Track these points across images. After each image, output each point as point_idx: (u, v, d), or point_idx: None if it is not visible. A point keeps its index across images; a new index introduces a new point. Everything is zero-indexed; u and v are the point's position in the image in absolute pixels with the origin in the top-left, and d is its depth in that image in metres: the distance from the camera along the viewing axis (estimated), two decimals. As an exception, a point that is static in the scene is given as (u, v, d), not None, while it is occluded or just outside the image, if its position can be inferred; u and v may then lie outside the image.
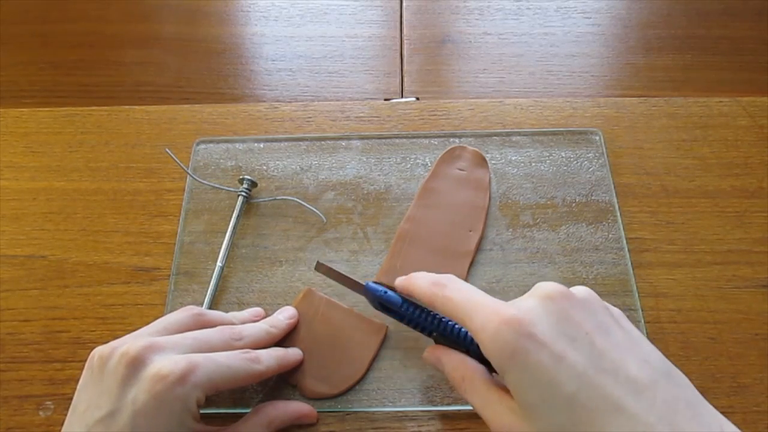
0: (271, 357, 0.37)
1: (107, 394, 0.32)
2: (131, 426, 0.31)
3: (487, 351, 0.31)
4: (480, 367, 0.34)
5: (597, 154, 0.50)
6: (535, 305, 0.31)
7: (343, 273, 0.41)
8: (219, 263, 0.45)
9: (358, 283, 0.40)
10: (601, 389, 0.28)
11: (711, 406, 0.29)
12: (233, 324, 0.39)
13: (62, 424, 0.34)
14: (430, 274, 0.37)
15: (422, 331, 0.37)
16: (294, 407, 0.38)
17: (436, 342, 0.37)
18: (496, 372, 0.32)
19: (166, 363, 0.33)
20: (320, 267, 0.41)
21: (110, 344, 0.34)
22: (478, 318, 0.31)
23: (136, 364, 0.33)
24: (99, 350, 0.34)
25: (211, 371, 0.33)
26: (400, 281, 0.38)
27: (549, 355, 0.29)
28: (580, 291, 0.32)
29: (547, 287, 0.32)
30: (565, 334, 0.30)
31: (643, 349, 0.31)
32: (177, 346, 0.34)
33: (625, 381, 0.28)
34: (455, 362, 0.35)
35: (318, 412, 0.39)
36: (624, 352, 0.30)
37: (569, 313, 0.30)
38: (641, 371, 0.29)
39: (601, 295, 0.43)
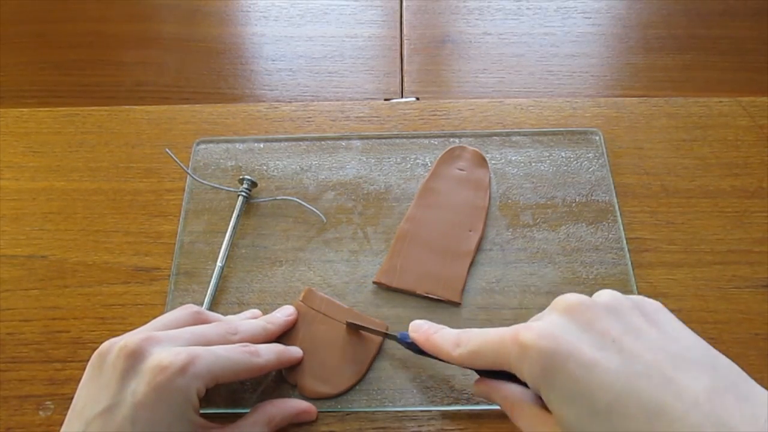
0: (271, 351, 0.37)
1: (106, 389, 0.32)
2: (131, 419, 0.31)
3: (522, 376, 0.30)
4: (527, 392, 0.33)
5: (597, 154, 0.50)
6: (557, 319, 0.30)
7: (373, 327, 0.41)
8: (219, 263, 0.45)
9: (392, 334, 0.40)
10: (638, 394, 0.26)
11: (764, 393, 0.27)
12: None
13: (62, 424, 0.34)
14: (446, 333, 0.36)
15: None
16: (293, 404, 0.38)
17: (478, 373, 0.36)
18: None
19: (166, 354, 0.33)
20: (350, 325, 0.41)
21: (109, 341, 0.34)
22: (504, 352, 0.31)
23: (135, 357, 0.32)
24: (100, 348, 0.34)
25: (211, 362, 0.33)
26: (420, 341, 0.37)
27: (579, 366, 0.28)
28: (603, 296, 0.31)
29: (566, 299, 0.31)
30: (593, 343, 0.29)
31: (680, 343, 0.29)
32: (175, 340, 0.34)
33: (662, 382, 0.27)
34: (503, 392, 0.34)
35: (318, 412, 0.39)
36: (658, 352, 0.28)
37: (593, 321, 0.30)
38: (679, 369, 0.27)
39: (601, 295, 0.43)
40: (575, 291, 0.43)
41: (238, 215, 0.47)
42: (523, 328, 0.30)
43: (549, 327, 0.30)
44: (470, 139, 0.51)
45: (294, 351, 0.40)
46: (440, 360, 0.36)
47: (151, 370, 0.32)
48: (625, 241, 0.46)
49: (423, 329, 0.37)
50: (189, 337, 0.35)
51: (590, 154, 0.50)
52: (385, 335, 0.40)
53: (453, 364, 0.35)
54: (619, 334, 0.29)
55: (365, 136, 0.52)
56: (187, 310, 0.38)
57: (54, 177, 0.50)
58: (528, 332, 0.30)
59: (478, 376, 0.36)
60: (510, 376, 0.33)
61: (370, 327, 0.41)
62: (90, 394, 0.33)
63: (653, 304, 0.31)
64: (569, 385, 0.28)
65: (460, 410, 0.39)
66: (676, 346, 0.29)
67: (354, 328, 0.41)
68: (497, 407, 0.39)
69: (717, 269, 0.45)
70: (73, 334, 0.43)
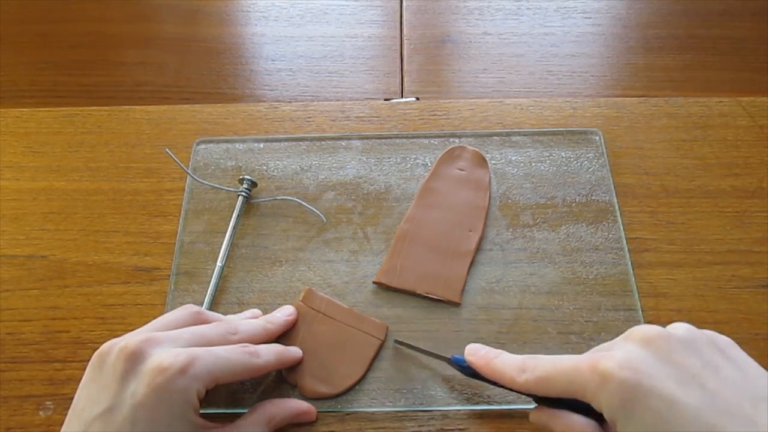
0: (271, 352, 0.37)
1: (106, 390, 0.32)
2: (131, 420, 0.31)
3: (599, 406, 0.30)
4: (590, 422, 0.33)
5: (597, 154, 0.50)
6: (636, 350, 0.30)
7: (425, 348, 0.40)
8: (219, 263, 0.45)
9: (444, 356, 0.39)
10: None
11: None
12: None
13: (62, 424, 0.34)
14: (508, 358, 0.35)
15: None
16: (293, 405, 0.38)
17: (536, 401, 0.35)
18: (606, 423, 0.31)
19: (166, 356, 0.33)
20: (400, 343, 0.41)
21: (109, 342, 0.34)
22: (579, 380, 0.31)
23: (135, 358, 0.33)
24: (100, 348, 0.34)
25: (211, 363, 0.33)
26: (479, 366, 0.36)
27: (660, 400, 0.28)
28: (680, 329, 0.31)
29: (643, 330, 0.31)
30: (674, 377, 0.28)
31: (757, 382, 0.29)
32: (175, 341, 0.34)
33: (744, 422, 0.27)
34: (565, 422, 0.33)
35: (318, 412, 0.39)
36: (738, 390, 0.28)
37: (673, 355, 0.29)
38: (758, 408, 0.27)
39: (601, 295, 0.43)
40: (575, 290, 0.43)
41: (238, 215, 0.47)
42: (603, 358, 0.30)
43: (630, 358, 0.29)
44: (470, 139, 0.51)
45: (294, 351, 0.40)
46: (497, 385, 0.36)
47: (150, 372, 0.32)
48: (625, 241, 0.46)
49: (481, 353, 0.37)
50: (189, 338, 0.35)
51: (590, 154, 0.50)
52: (437, 357, 0.40)
53: (514, 390, 0.34)
54: (699, 369, 0.29)
55: (365, 136, 0.52)
56: (187, 310, 0.38)
57: (54, 177, 0.50)
58: (609, 362, 0.29)
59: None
60: (571, 406, 0.32)
61: (423, 349, 0.40)
62: (90, 395, 0.33)
63: (726, 340, 0.32)
64: (649, 419, 0.28)
65: (459, 410, 0.39)
66: (753, 385, 0.29)
67: (406, 347, 0.41)
68: (497, 407, 0.39)
69: (717, 269, 0.45)
70: (73, 334, 0.43)
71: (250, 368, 0.36)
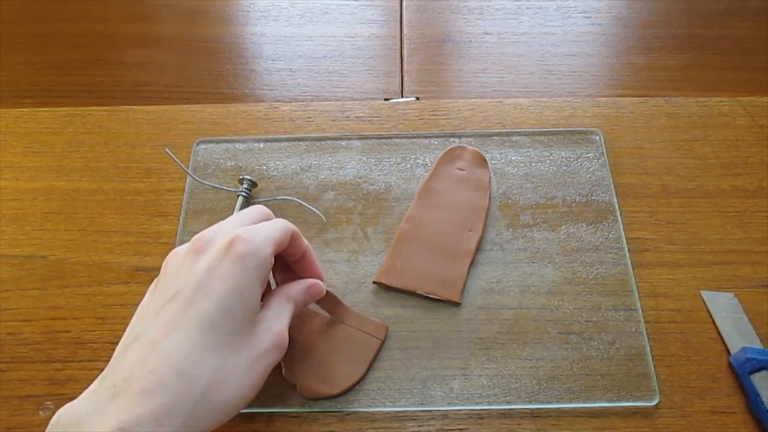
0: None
1: (174, 281, 0.33)
2: (208, 275, 0.32)
3: None
4: None
5: (597, 154, 0.50)
6: None
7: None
8: (219, 263, 0.45)
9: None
10: None
11: None
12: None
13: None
14: None
15: None
16: (303, 282, 0.38)
17: None
18: None
19: (228, 234, 0.34)
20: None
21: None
22: None
23: (198, 248, 0.34)
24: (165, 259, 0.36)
25: (269, 228, 0.35)
26: None
27: None
28: None
29: None
30: None
31: None
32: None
33: None
34: None
35: (318, 412, 0.39)
36: None
37: None
38: None
39: (601, 295, 0.43)
40: (575, 290, 0.43)
41: (238, 215, 0.47)
42: None
43: None
44: (470, 139, 0.51)
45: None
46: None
47: (218, 248, 0.33)
48: (625, 241, 0.46)
49: None
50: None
51: (590, 154, 0.50)
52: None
53: None
54: None
55: (365, 136, 0.52)
56: (259, 209, 0.38)
57: (54, 177, 0.50)
58: None
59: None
60: None
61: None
62: (151, 297, 0.34)
63: None
64: None
65: (460, 410, 0.39)
66: None
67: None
68: (497, 407, 0.39)
69: (717, 269, 0.45)
70: (73, 334, 0.43)
71: (297, 234, 0.37)
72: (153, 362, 0.30)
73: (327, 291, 0.41)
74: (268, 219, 0.38)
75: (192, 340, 0.31)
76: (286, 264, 0.40)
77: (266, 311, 0.35)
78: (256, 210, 0.38)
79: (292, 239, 0.37)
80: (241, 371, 0.32)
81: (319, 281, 0.39)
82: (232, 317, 0.32)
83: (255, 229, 0.34)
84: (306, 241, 0.38)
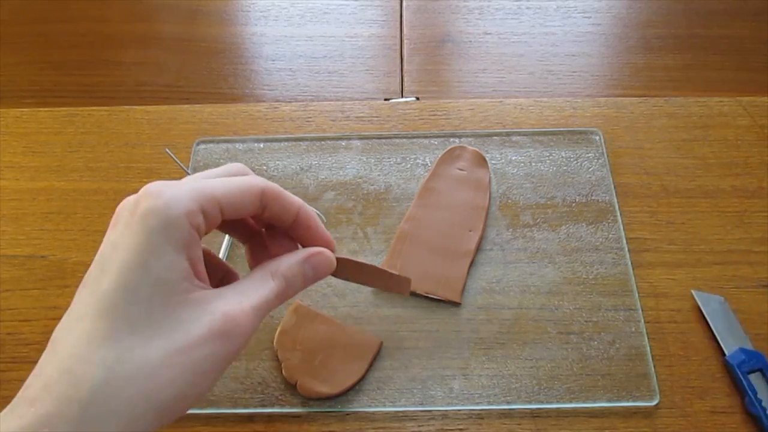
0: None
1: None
2: (112, 245, 0.26)
3: None
4: None
5: (597, 154, 0.50)
6: None
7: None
8: (219, 263, 0.45)
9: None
10: None
11: None
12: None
13: None
14: None
15: None
16: (302, 251, 0.31)
17: None
18: None
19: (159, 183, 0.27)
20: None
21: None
22: None
23: (116, 214, 0.28)
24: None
25: (201, 181, 0.28)
26: None
27: None
28: None
29: None
30: None
31: None
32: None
33: None
34: None
35: (318, 412, 0.39)
36: None
37: None
38: None
39: (601, 295, 0.43)
40: (575, 290, 0.43)
41: (238, 215, 0.47)
42: None
43: None
44: (470, 139, 0.51)
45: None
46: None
47: (130, 204, 0.27)
48: (625, 241, 0.46)
49: None
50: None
51: (590, 154, 0.50)
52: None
53: None
54: None
55: (365, 136, 0.52)
56: (235, 165, 0.31)
57: (54, 177, 0.50)
58: None
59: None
60: None
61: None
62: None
63: None
64: None
65: (460, 410, 0.39)
66: None
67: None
68: (497, 407, 0.39)
69: (717, 269, 0.45)
70: (73, 334, 0.43)
71: (276, 192, 0.29)
72: (44, 363, 0.25)
73: (340, 258, 0.33)
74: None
75: (87, 330, 0.25)
76: (286, 234, 0.32)
77: (225, 289, 0.28)
78: (233, 165, 0.31)
79: (267, 198, 0.29)
80: (152, 365, 0.25)
81: (323, 249, 0.31)
82: (135, 296, 0.25)
83: (177, 183, 0.27)
84: (297, 200, 0.30)
